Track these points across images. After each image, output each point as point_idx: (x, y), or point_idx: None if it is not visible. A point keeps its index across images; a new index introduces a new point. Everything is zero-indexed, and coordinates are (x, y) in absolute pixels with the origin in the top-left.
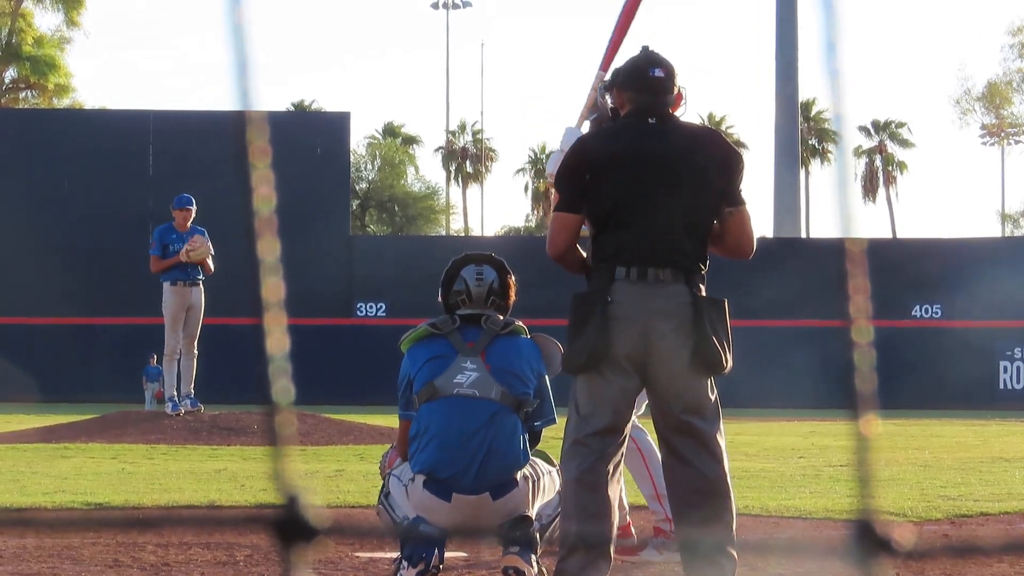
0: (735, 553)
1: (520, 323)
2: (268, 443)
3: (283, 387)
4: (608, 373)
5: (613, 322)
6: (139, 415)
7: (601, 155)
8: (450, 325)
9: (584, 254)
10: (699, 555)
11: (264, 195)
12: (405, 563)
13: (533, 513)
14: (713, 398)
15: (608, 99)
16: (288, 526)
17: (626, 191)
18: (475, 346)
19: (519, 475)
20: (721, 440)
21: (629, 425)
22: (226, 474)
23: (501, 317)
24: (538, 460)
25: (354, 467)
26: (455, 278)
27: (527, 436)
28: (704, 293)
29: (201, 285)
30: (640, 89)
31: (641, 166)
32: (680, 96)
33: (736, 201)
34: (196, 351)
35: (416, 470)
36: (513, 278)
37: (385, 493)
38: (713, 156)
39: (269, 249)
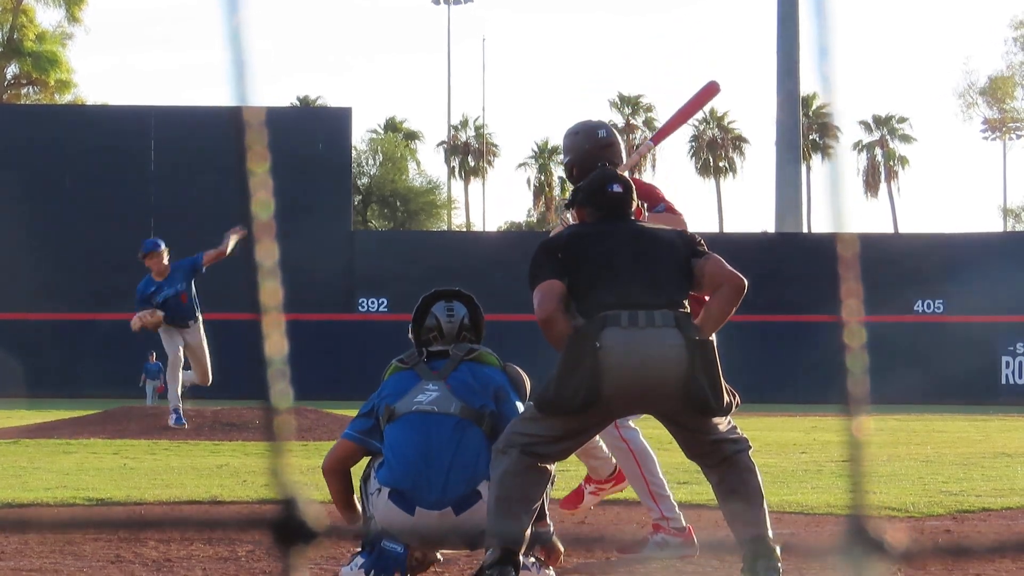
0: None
1: (490, 351)
2: (267, 445)
3: (282, 390)
4: (582, 414)
5: (604, 370)
6: (141, 411)
7: (568, 239)
8: (416, 358)
9: (569, 323)
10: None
11: (262, 200)
12: (362, 569)
13: None
14: (719, 424)
15: (569, 216)
16: (287, 527)
17: (601, 253)
18: (439, 372)
19: (485, 488)
20: (740, 446)
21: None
22: (228, 469)
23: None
24: None
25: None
26: (426, 315)
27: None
28: (694, 335)
29: (192, 326)
30: (599, 205)
31: (609, 238)
32: (640, 212)
33: (703, 253)
34: (210, 380)
35: (382, 481)
36: (482, 312)
37: (364, 477)
38: (669, 233)
39: (267, 253)
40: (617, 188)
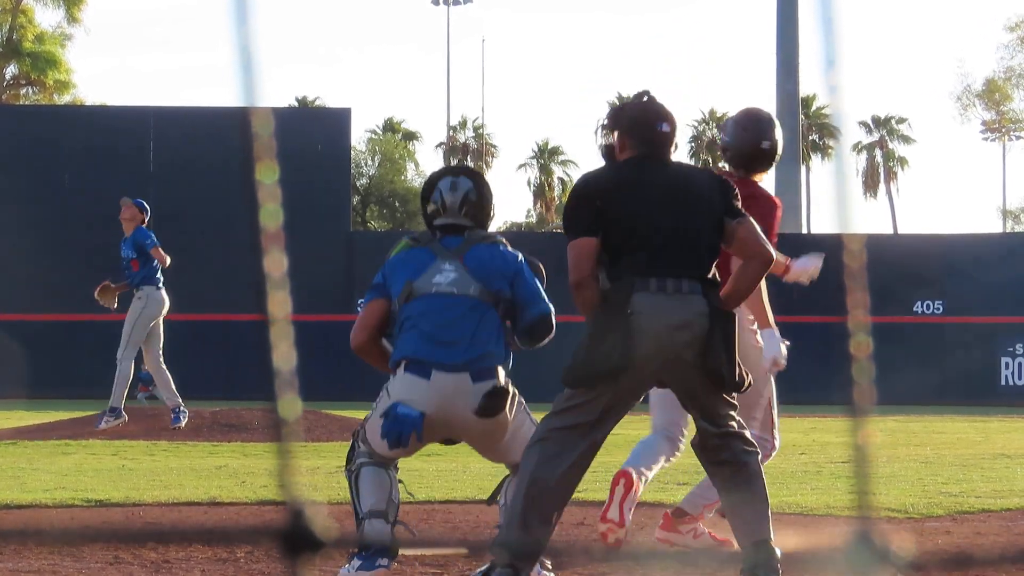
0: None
1: (503, 239)
2: (275, 456)
3: (290, 400)
4: (615, 383)
5: (635, 335)
6: (140, 411)
7: (608, 184)
8: (429, 236)
9: (599, 289)
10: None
11: (271, 210)
12: (384, 439)
13: (509, 430)
14: (731, 404)
15: (606, 135)
16: (295, 537)
17: (636, 213)
18: (455, 251)
19: (503, 378)
20: (748, 437)
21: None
22: (227, 470)
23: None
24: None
25: None
26: (432, 190)
27: (516, 335)
28: (718, 305)
29: (135, 295)
30: (645, 141)
31: (647, 192)
32: (676, 147)
33: (738, 214)
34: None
35: (396, 357)
36: (490, 191)
37: (348, 459)
38: (708, 183)
39: (276, 264)
40: (665, 128)
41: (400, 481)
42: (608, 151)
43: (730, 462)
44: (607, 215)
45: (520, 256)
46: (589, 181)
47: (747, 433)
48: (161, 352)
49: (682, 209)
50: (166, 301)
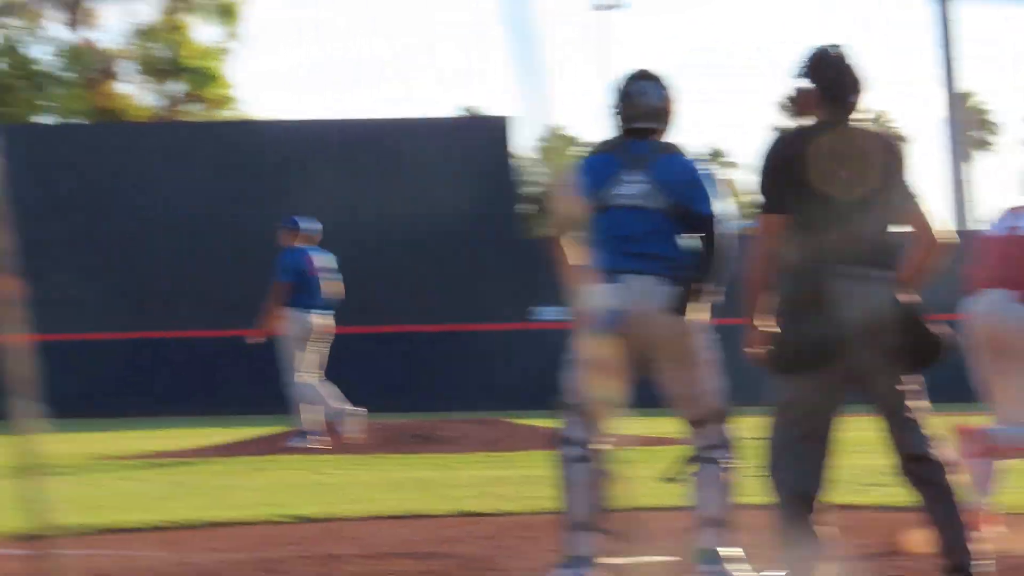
0: None
1: (683, 147)
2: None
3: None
4: (825, 372)
5: (837, 322)
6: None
7: (805, 155)
8: (615, 142)
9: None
10: None
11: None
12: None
13: (695, 341)
14: (915, 409)
15: (799, 80)
16: None
17: (831, 189)
18: (639, 160)
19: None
20: (942, 450)
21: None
22: (422, 483)
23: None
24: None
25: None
26: (623, 95)
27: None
28: (903, 290)
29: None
30: (838, 109)
31: (837, 164)
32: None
33: (910, 195)
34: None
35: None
36: (676, 97)
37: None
38: (884, 153)
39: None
40: (854, 99)
41: (606, 473)
42: (800, 98)
43: (933, 483)
44: (801, 189)
45: (700, 165)
46: (783, 149)
47: (940, 446)
48: (320, 372)
49: (869, 187)
50: (310, 323)
